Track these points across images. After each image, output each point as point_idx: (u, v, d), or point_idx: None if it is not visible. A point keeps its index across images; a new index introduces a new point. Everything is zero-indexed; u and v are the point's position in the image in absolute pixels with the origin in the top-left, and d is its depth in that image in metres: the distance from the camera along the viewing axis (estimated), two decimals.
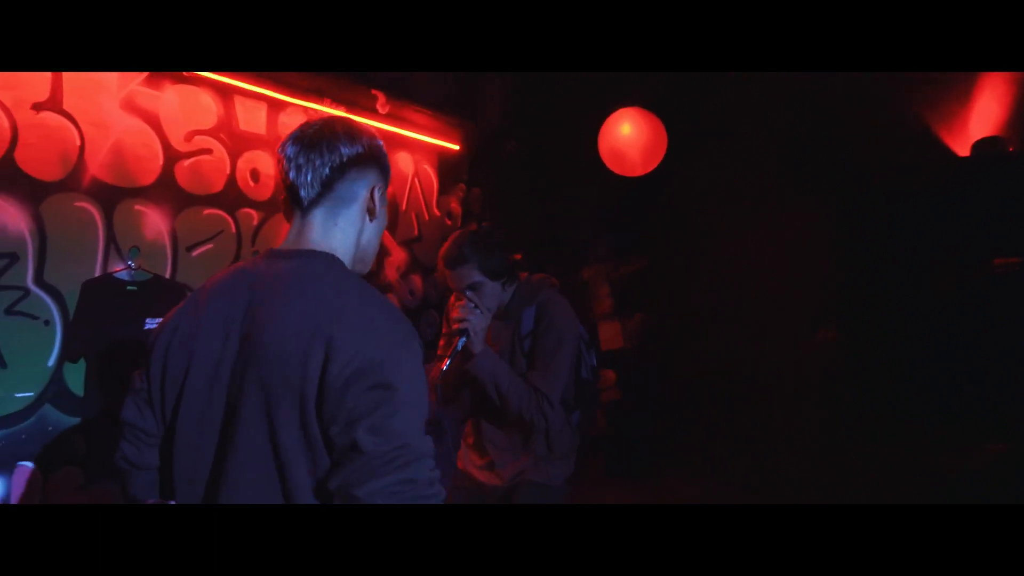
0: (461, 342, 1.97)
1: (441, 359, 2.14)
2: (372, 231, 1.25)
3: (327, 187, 1.18)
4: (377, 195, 1.23)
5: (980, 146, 3.26)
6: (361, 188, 1.21)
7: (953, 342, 3.15)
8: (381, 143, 1.27)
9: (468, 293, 2.06)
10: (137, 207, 2.52)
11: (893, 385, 3.25)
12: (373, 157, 1.23)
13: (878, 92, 3.40)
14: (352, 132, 1.22)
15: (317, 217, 1.19)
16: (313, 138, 1.19)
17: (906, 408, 3.20)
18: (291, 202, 1.20)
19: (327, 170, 1.18)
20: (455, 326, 2.00)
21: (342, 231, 1.20)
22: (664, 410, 4.31)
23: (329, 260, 1.16)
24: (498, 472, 2.17)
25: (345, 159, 1.19)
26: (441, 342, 2.29)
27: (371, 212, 1.23)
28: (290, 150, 1.19)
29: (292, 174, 1.18)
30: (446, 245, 2.10)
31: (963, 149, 3.35)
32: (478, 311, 2.02)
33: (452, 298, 2.16)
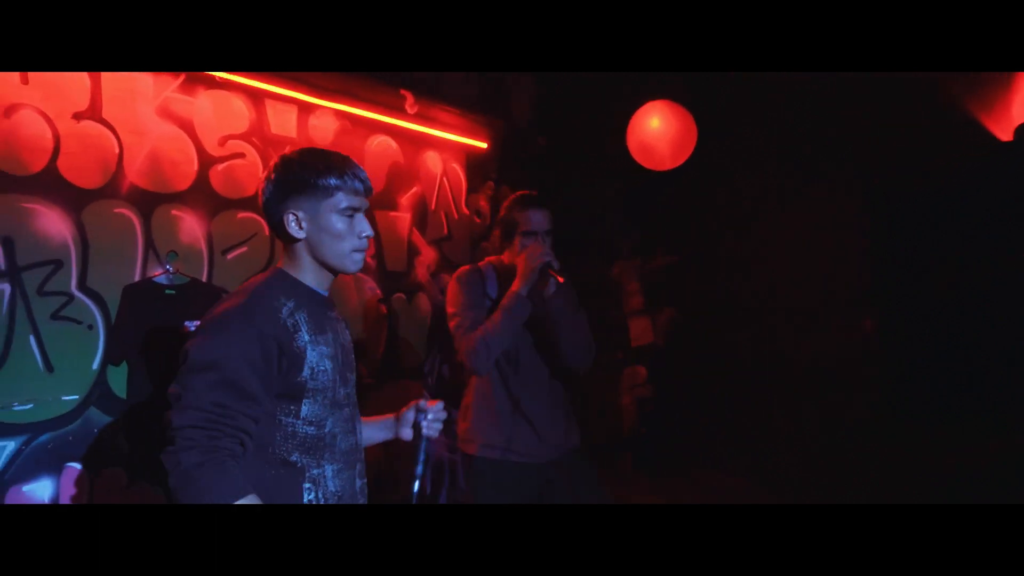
0: (553, 266, 2.12)
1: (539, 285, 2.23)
2: (311, 248, 1.43)
3: (269, 219, 1.45)
4: (290, 223, 1.41)
5: (1023, 131, 3.16)
6: (277, 219, 1.43)
7: (996, 333, 3.07)
8: (297, 168, 1.41)
9: (544, 236, 2.23)
10: (174, 212, 2.56)
11: (934, 380, 3.18)
12: (282, 188, 1.41)
13: (919, 79, 3.32)
14: (269, 174, 1.43)
15: (281, 242, 1.48)
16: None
17: (949, 403, 3.12)
18: None
19: (263, 204, 1.44)
20: (543, 259, 2.13)
21: (289, 253, 1.46)
22: (694, 406, 4.27)
23: (270, 272, 1.46)
24: (544, 441, 2.26)
25: (265, 201, 1.43)
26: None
27: (291, 237, 1.42)
28: None
29: None
30: (525, 192, 2.33)
31: (1006, 134, 3.26)
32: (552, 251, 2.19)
33: (517, 244, 2.26)
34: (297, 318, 1.37)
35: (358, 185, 1.44)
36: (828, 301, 3.74)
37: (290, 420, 1.37)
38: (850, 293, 3.61)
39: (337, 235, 1.42)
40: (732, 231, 4.10)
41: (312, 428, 1.39)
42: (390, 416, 1.67)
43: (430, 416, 1.60)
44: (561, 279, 2.12)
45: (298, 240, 1.43)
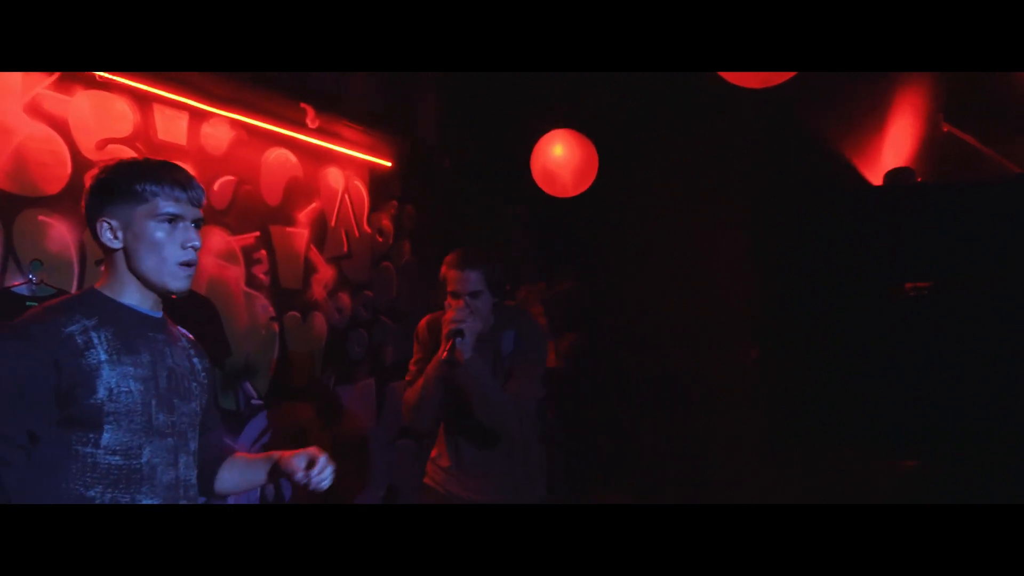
0: (457, 342, 2.03)
1: (413, 375, 2.31)
2: (129, 259, 1.33)
3: (92, 233, 1.35)
4: (102, 232, 1.32)
5: (891, 176, 3.43)
6: (92, 229, 1.34)
7: (868, 361, 3.28)
8: (103, 177, 1.33)
9: (467, 299, 2.15)
10: (41, 217, 2.36)
11: (812, 403, 3.36)
12: (93, 197, 1.33)
13: (799, 119, 3.55)
14: (90, 177, 1.35)
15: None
16: None
17: (825, 424, 3.31)
18: None
19: (85, 217, 1.36)
20: (452, 326, 2.07)
21: (109, 266, 1.36)
22: (596, 428, 4.33)
23: (78, 292, 1.47)
24: (482, 491, 2.25)
25: (84, 207, 1.35)
26: (411, 369, 2.38)
27: (105, 247, 1.34)
28: None
29: None
30: (458, 250, 2.24)
31: (876, 178, 3.52)
32: (474, 317, 2.10)
33: (447, 304, 2.23)
34: (92, 336, 1.26)
35: (179, 193, 1.34)
36: (716, 327, 3.90)
37: (89, 450, 1.23)
38: (738, 320, 3.79)
39: (154, 244, 1.32)
40: (631, 258, 4.22)
41: (118, 458, 1.25)
42: (272, 455, 1.52)
43: (325, 472, 1.42)
44: (460, 353, 2.03)
45: (114, 251, 1.33)
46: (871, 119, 3.53)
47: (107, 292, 1.35)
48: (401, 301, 4.00)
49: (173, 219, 1.33)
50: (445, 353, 2.06)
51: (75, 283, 2.45)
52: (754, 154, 3.68)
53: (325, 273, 3.53)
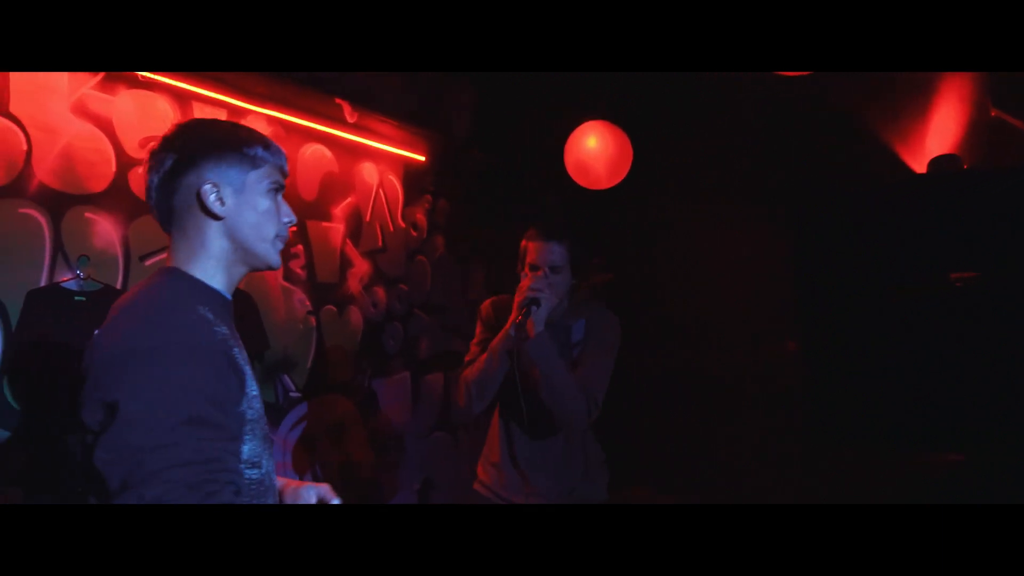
0: (533, 310, 1.93)
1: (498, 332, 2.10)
2: (231, 230, 1.16)
3: (166, 209, 1.17)
4: (209, 194, 1.13)
5: (936, 164, 3.33)
6: (191, 194, 1.15)
7: (913, 354, 3.20)
8: (215, 132, 1.20)
9: (547, 271, 2.04)
10: (87, 214, 2.43)
11: (852, 396, 3.29)
12: (196, 155, 1.15)
13: (839, 108, 3.47)
14: (168, 141, 1.17)
15: (173, 238, 1.18)
16: (145, 165, 1.19)
17: (865, 419, 3.23)
18: None
19: (154, 194, 1.18)
20: (528, 294, 1.96)
21: (195, 243, 1.16)
22: (626, 423, 4.31)
23: (165, 274, 1.15)
24: (537, 491, 2.10)
25: (164, 175, 1.16)
26: (474, 342, 2.24)
27: (210, 214, 1.14)
28: None
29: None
30: (541, 221, 2.12)
31: (920, 166, 3.42)
32: (552, 290, 2.00)
33: (523, 276, 2.11)
34: (224, 331, 1.09)
35: (284, 161, 1.23)
36: (754, 322, 3.84)
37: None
38: (775, 315, 3.72)
39: (264, 213, 1.18)
40: (665, 251, 4.18)
41: (255, 472, 1.11)
42: (278, 483, 1.34)
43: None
44: (531, 325, 1.93)
45: (216, 218, 1.14)
46: (915, 105, 3.43)
47: (196, 274, 1.15)
48: (435, 295, 4.03)
49: (278, 189, 1.22)
50: (518, 319, 1.93)
51: (120, 278, 2.52)
52: (793, 146, 3.60)
53: (360, 267, 3.56)
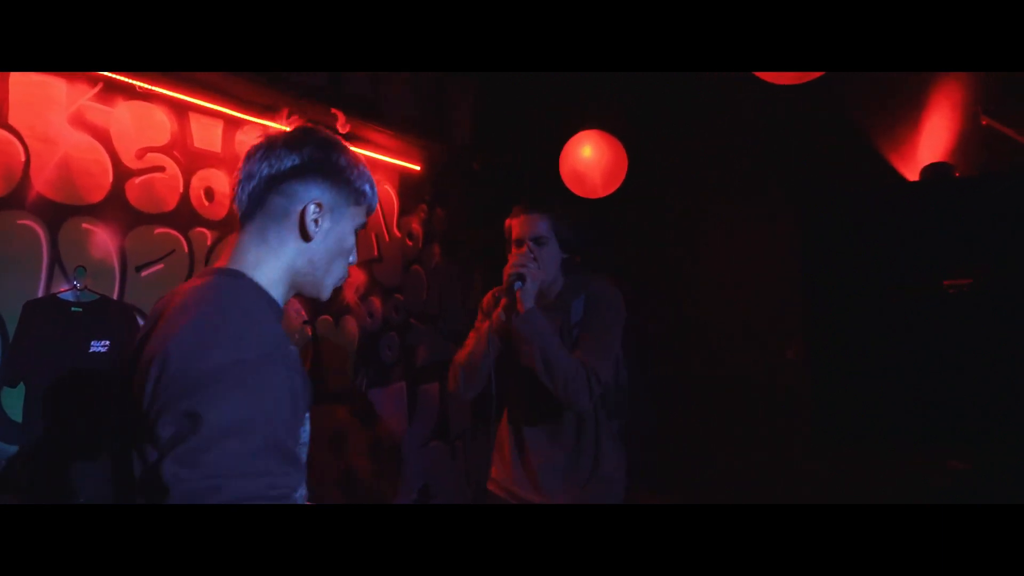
0: (517, 285, 1.88)
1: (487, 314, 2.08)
2: (313, 254, 1.11)
3: (257, 202, 1.10)
4: (312, 213, 1.09)
5: (929, 171, 3.36)
6: (295, 203, 1.09)
7: (918, 356, 3.22)
8: (339, 156, 1.15)
9: (531, 244, 1.99)
10: (84, 225, 2.43)
11: (857, 398, 3.30)
12: (315, 169, 1.11)
13: (833, 114, 3.50)
14: (295, 142, 1.12)
15: (247, 234, 1.11)
16: (256, 150, 1.12)
17: (870, 420, 3.25)
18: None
19: (255, 183, 1.09)
20: (512, 270, 1.90)
21: (270, 250, 1.09)
22: (634, 428, 4.31)
23: (230, 277, 1.05)
24: (546, 492, 2.04)
25: (277, 171, 1.09)
26: (486, 298, 2.20)
27: (303, 232, 1.09)
28: (242, 164, 1.13)
29: (236, 189, 1.12)
30: (524, 197, 2.07)
31: (912, 174, 3.45)
32: (537, 265, 1.94)
33: (511, 254, 2.05)
34: (294, 349, 1.03)
35: (376, 205, 1.19)
36: (758, 324, 3.85)
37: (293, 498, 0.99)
38: (780, 316, 3.74)
39: (344, 251, 1.14)
40: (668, 256, 4.19)
41: (297, 496, 1.05)
42: None
43: None
44: (520, 301, 1.86)
45: (306, 239, 1.09)
46: (907, 113, 3.46)
47: (260, 281, 1.08)
48: (431, 304, 4.03)
49: (360, 230, 1.19)
50: (504, 300, 1.88)
51: (116, 289, 2.51)
52: (791, 151, 3.63)
53: (356, 277, 3.56)
